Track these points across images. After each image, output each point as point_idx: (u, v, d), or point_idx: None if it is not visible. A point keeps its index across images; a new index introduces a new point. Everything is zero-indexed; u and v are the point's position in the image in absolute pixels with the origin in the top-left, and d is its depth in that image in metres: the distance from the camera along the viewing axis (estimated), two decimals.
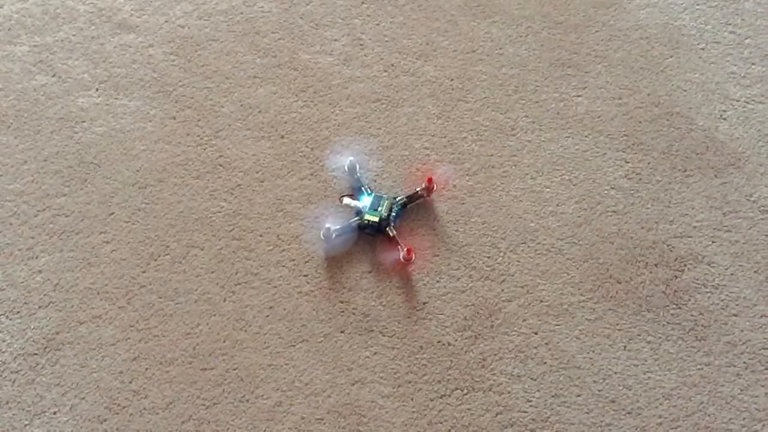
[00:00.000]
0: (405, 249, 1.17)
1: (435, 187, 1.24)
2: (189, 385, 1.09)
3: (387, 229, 1.20)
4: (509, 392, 1.09)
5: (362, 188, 1.24)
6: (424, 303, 1.16)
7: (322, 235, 1.19)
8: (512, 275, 1.18)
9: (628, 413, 1.08)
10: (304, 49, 1.42)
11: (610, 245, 1.21)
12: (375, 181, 1.27)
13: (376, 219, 1.20)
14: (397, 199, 1.23)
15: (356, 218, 1.21)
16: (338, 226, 1.19)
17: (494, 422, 1.07)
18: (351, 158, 1.25)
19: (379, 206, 1.21)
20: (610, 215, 1.24)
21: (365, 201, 1.22)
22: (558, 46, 1.43)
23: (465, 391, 1.09)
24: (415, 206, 1.24)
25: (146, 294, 1.16)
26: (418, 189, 1.24)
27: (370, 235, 1.21)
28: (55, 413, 1.07)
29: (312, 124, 1.33)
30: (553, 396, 1.09)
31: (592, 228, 1.23)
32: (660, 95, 1.37)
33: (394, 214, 1.21)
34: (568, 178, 1.28)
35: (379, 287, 1.17)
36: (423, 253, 1.20)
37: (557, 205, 1.25)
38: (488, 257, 1.20)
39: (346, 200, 1.23)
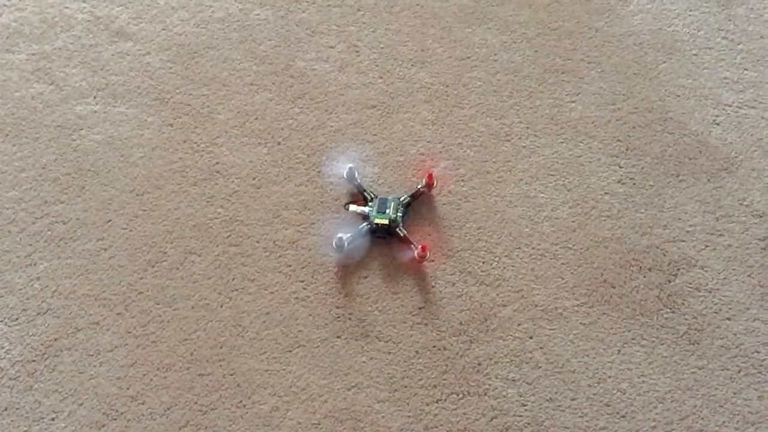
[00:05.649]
0: (419, 246, 1.18)
1: (435, 183, 1.25)
2: (186, 390, 1.10)
3: (397, 229, 1.21)
4: (504, 396, 1.10)
5: (364, 193, 1.25)
6: (420, 308, 1.17)
7: (334, 245, 1.19)
8: (507, 280, 1.19)
9: (623, 417, 1.08)
10: (300, 56, 1.43)
11: (604, 250, 1.22)
12: (371, 186, 1.28)
13: (386, 221, 1.21)
14: (401, 200, 1.24)
15: (365, 224, 1.22)
16: (349, 235, 1.20)
17: (489, 426, 1.08)
18: (350, 165, 1.26)
19: (386, 208, 1.22)
20: (604, 220, 1.25)
21: (371, 205, 1.23)
22: (552, 52, 1.44)
23: (460, 395, 1.10)
24: (411, 212, 1.25)
25: (144, 300, 1.17)
26: (419, 186, 1.25)
27: (381, 237, 1.22)
28: (53, 419, 1.08)
29: (308, 131, 1.34)
30: (547, 400, 1.10)
31: (586, 233, 1.24)
32: (653, 101, 1.38)
33: (400, 214, 1.22)
34: (562, 183, 1.29)
35: (375, 293, 1.18)
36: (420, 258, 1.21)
37: (552, 210, 1.26)
38: (483, 262, 1.21)
39: (352, 207, 1.24)
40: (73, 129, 1.34)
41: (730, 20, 1.49)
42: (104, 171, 1.29)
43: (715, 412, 1.09)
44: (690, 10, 1.50)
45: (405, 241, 1.21)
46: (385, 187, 1.28)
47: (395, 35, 1.46)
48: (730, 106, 1.37)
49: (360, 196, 1.25)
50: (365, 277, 1.19)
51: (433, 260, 1.20)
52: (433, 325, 1.15)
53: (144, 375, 1.11)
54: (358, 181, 1.26)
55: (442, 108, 1.37)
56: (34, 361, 1.12)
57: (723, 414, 1.09)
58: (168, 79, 1.40)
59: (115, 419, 1.08)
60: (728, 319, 1.16)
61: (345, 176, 1.26)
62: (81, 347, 1.13)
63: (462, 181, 1.29)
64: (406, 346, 1.14)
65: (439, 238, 1.23)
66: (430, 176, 1.25)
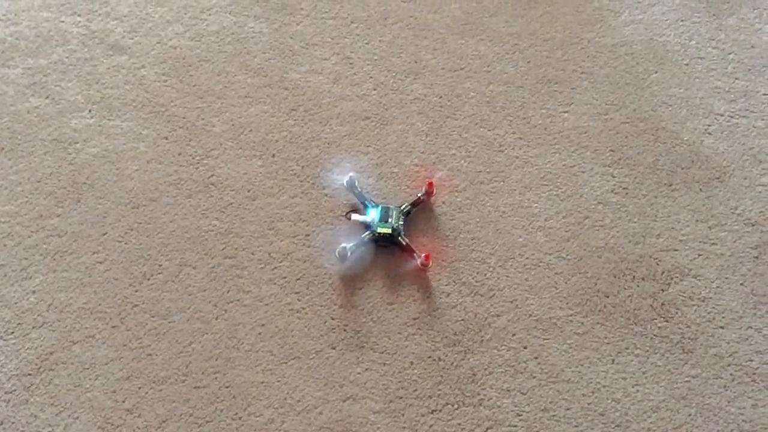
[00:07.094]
0: (422, 255, 1.19)
1: (435, 191, 1.26)
2: (182, 403, 1.10)
3: (399, 238, 1.21)
4: (499, 407, 1.10)
5: (365, 202, 1.25)
6: (415, 319, 1.17)
7: (336, 255, 1.19)
8: (501, 290, 1.20)
9: (617, 426, 1.09)
10: (294, 68, 1.44)
11: (598, 259, 1.23)
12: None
13: (389, 230, 1.21)
14: (402, 208, 1.24)
15: (367, 233, 1.22)
16: (352, 244, 1.20)
17: None
18: (351, 174, 1.27)
19: (388, 217, 1.22)
20: (598, 229, 1.26)
21: (372, 214, 1.23)
22: (544, 63, 1.45)
23: (455, 406, 1.10)
24: (407, 222, 1.25)
25: (139, 313, 1.17)
26: (419, 194, 1.26)
27: (383, 246, 1.22)
28: None
29: (303, 143, 1.35)
30: (542, 410, 1.10)
31: (579, 242, 1.24)
32: (645, 110, 1.39)
33: (401, 223, 1.22)
34: (555, 193, 1.29)
35: (370, 303, 1.18)
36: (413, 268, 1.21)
37: (545, 220, 1.27)
38: (477, 272, 1.21)
39: (354, 216, 1.24)
40: (68, 142, 1.34)
41: (721, 30, 1.50)
42: (99, 184, 1.30)
43: (709, 420, 1.09)
44: (681, 20, 1.51)
45: (407, 250, 1.21)
46: (380, 198, 1.29)
47: (389, 47, 1.47)
48: (721, 115, 1.38)
49: (360, 205, 1.26)
50: (360, 288, 1.20)
51: (428, 271, 1.21)
52: (428, 335, 1.16)
53: (140, 388, 1.11)
54: (359, 189, 1.27)
55: (435, 119, 1.38)
56: (29, 374, 1.12)
57: (717, 423, 1.09)
58: (163, 92, 1.40)
59: None
60: (722, 327, 1.17)
61: (345, 184, 1.27)
62: (77, 360, 1.13)
63: (456, 191, 1.30)
64: (401, 356, 1.14)
65: (434, 248, 1.23)
66: (430, 184, 1.25)
